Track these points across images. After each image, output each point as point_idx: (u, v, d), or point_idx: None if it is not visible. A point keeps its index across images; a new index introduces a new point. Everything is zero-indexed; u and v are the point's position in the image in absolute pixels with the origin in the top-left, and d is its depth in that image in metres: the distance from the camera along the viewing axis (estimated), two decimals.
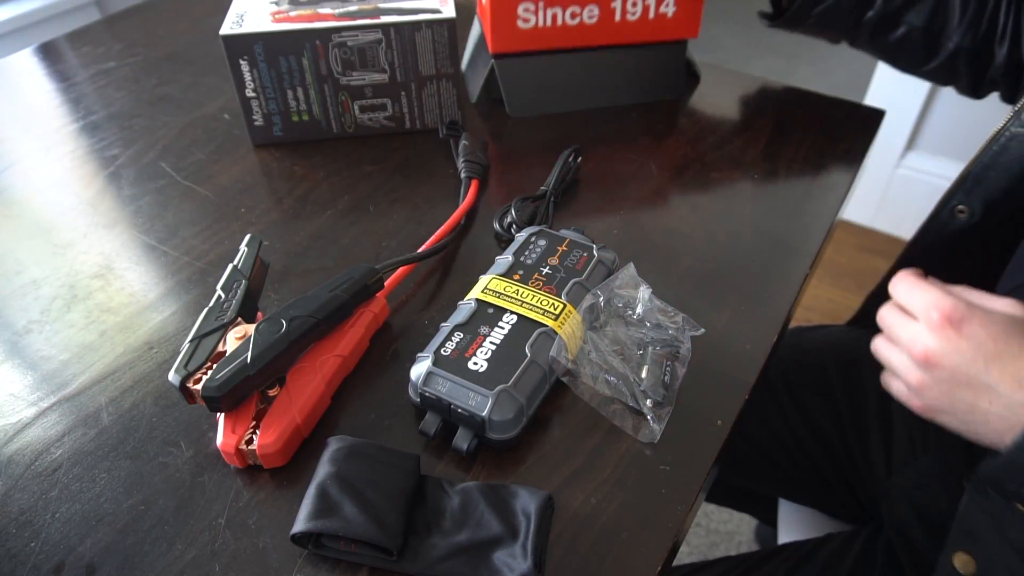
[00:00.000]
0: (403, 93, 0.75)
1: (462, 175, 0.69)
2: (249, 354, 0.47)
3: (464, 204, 0.65)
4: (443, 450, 0.48)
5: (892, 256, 0.76)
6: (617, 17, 0.75)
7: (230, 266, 0.53)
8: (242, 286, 0.52)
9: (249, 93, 0.73)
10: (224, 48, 0.69)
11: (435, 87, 0.75)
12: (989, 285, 0.55)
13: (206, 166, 0.74)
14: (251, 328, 0.49)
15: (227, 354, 0.47)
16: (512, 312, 0.51)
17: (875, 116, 0.78)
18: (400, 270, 0.58)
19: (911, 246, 0.72)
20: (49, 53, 0.93)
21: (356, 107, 0.75)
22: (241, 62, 0.70)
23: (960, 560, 0.50)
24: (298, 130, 0.76)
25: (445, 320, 0.52)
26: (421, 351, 0.50)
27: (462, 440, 0.47)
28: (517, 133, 0.77)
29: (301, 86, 0.73)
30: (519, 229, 0.61)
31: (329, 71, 0.72)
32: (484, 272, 0.55)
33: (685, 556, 1.28)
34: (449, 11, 0.71)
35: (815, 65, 2.48)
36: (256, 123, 0.75)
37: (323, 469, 0.44)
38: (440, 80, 0.75)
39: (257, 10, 0.72)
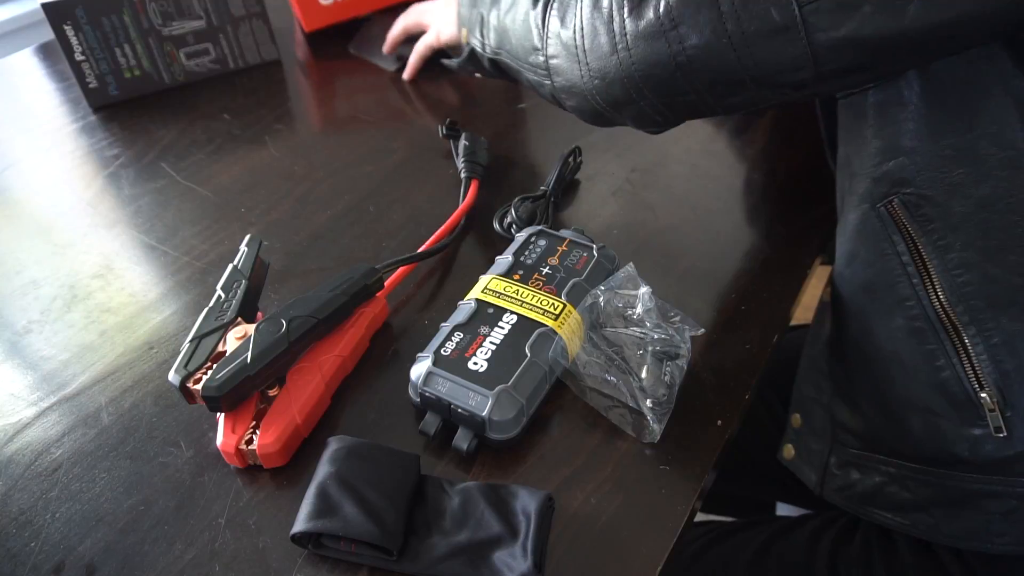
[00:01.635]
0: (222, 36, 0.83)
1: (462, 175, 0.69)
2: (249, 354, 0.47)
3: (464, 204, 0.65)
4: (443, 450, 0.48)
5: None
6: None
7: (230, 266, 0.53)
8: (242, 286, 0.52)
9: (78, 56, 0.77)
10: (46, 15, 0.73)
11: (248, 26, 0.84)
12: None
13: (206, 166, 0.74)
14: (251, 328, 0.49)
15: (227, 354, 0.47)
16: (512, 312, 0.51)
17: None
18: (400, 270, 0.58)
19: None
20: (49, 53, 0.93)
21: (182, 55, 0.81)
22: (65, 27, 0.75)
23: (795, 419, 0.65)
24: (132, 86, 0.82)
25: (445, 320, 0.52)
26: (421, 351, 0.50)
27: (462, 440, 0.47)
28: (517, 132, 0.77)
29: (127, 42, 0.78)
30: (519, 229, 0.61)
31: (150, 24, 0.78)
32: (484, 272, 0.55)
33: None
34: None
35: None
36: (90, 85, 0.79)
37: (323, 469, 0.44)
38: (251, 19, 0.84)
39: None
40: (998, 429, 0.51)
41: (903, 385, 0.55)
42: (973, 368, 0.50)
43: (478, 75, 0.76)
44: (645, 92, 0.48)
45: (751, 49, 0.43)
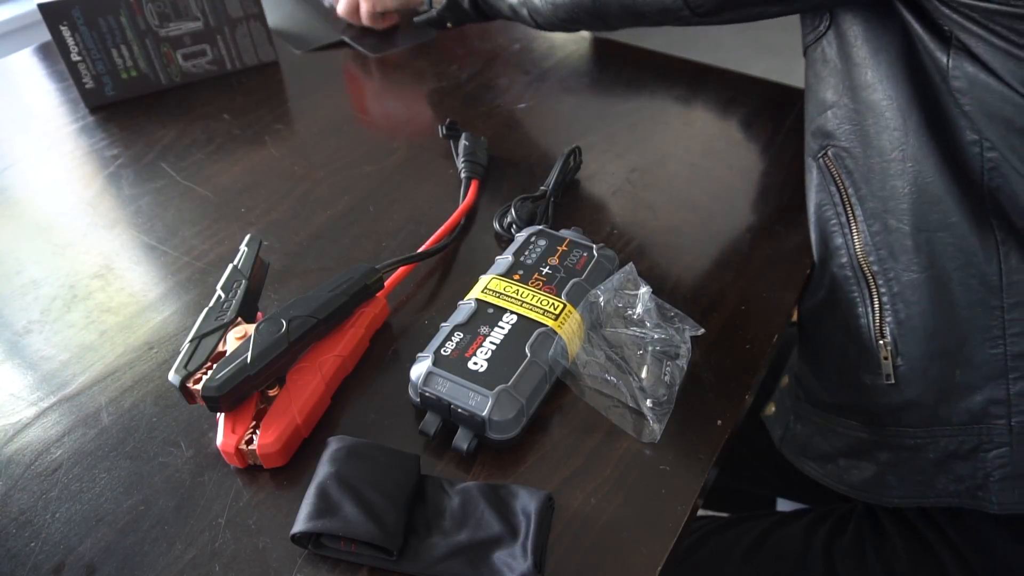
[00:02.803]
0: (219, 37, 0.83)
1: (462, 175, 0.69)
2: (249, 354, 0.47)
3: (464, 204, 0.65)
4: (443, 450, 0.48)
5: None
6: None
7: (230, 266, 0.53)
8: (242, 286, 0.52)
9: (75, 57, 0.77)
10: (42, 16, 0.73)
11: (246, 27, 0.84)
12: None
13: (206, 166, 0.74)
14: (251, 328, 0.49)
15: (227, 354, 0.47)
16: (512, 312, 0.51)
17: None
18: (400, 270, 0.58)
19: None
20: (49, 53, 0.93)
21: (179, 56, 0.81)
22: (62, 28, 0.75)
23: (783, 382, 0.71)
24: (129, 87, 0.82)
25: (445, 320, 0.52)
26: (421, 351, 0.50)
27: (462, 440, 0.47)
28: (517, 132, 0.77)
29: (124, 43, 0.78)
30: (519, 229, 0.61)
31: (147, 25, 0.78)
32: (484, 272, 0.55)
33: None
34: None
35: None
36: (87, 86, 0.79)
37: (323, 469, 0.44)
38: (249, 21, 0.84)
39: None
40: (888, 376, 0.55)
41: (830, 332, 0.60)
42: (880, 316, 0.55)
43: (448, 26, 0.80)
44: (581, 14, 0.65)
45: None
